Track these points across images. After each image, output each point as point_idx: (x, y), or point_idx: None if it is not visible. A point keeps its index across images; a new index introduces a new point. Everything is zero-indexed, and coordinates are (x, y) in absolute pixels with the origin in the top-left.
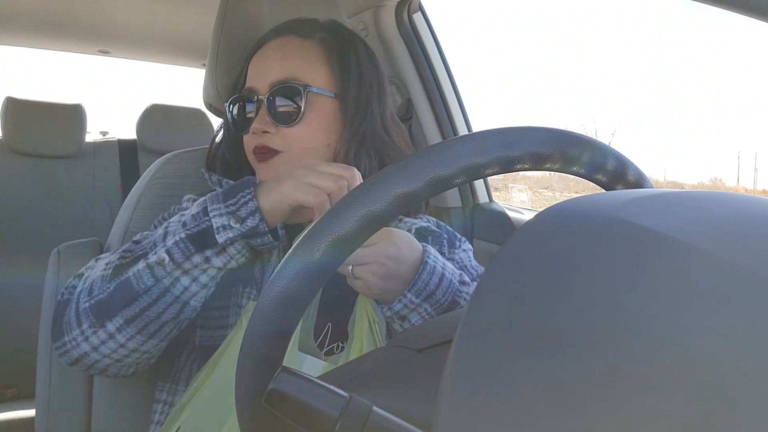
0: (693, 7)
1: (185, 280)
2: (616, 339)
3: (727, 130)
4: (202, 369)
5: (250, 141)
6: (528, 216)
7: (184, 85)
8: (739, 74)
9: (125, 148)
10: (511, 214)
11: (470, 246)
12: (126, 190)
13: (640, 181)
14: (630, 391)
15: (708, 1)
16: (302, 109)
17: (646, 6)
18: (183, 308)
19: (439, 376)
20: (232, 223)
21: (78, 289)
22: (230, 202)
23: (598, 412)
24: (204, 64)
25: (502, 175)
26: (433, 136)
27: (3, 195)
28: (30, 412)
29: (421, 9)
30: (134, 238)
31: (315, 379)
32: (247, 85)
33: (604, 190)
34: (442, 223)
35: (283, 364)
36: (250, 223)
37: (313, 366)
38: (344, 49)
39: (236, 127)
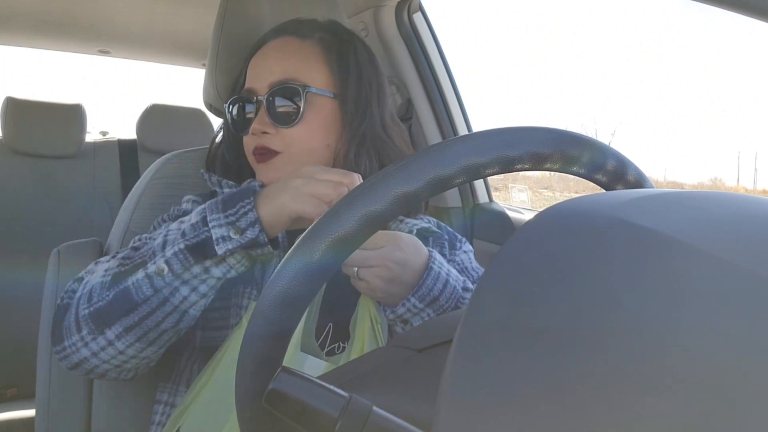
0: (693, 7)
1: (184, 290)
2: (616, 339)
3: (727, 130)
4: (204, 370)
5: (249, 142)
6: (528, 216)
7: (184, 85)
8: (739, 74)
9: (125, 148)
10: (511, 214)
11: (471, 247)
12: (126, 190)
13: (640, 181)
14: (630, 391)
15: (708, 1)
16: (301, 109)
17: (646, 6)
18: (182, 317)
19: (439, 376)
20: (231, 234)
21: (78, 295)
22: (230, 212)
23: (598, 412)
24: (204, 64)
25: (502, 175)
26: (433, 136)
27: (3, 195)
28: (30, 412)
29: (421, 9)
30: (133, 244)
31: (315, 379)
32: (247, 85)
33: (604, 190)
34: (442, 223)
35: (285, 364)
36: (250, 234)
37: (314, 366)
38: (343, 49)
39: (236, 128)
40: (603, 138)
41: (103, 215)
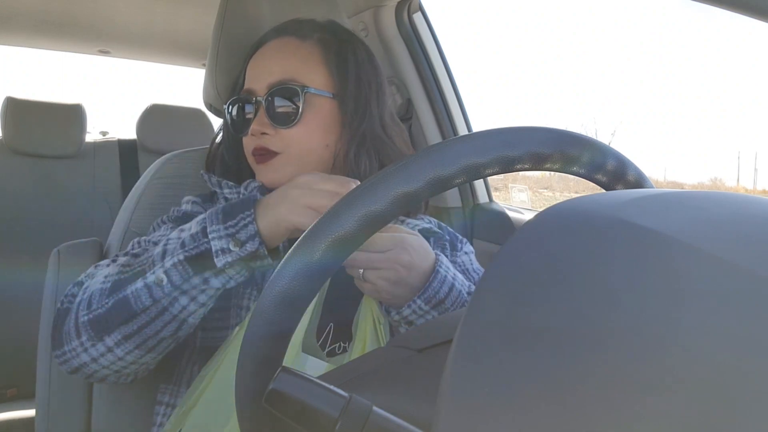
0: (693, 7)
1: (183, 300)
2: (616, 339)
3: (727, 130)
4: (205, 371)
5: (249, 143)
6: (528, 216)
7: (184, 85)
8: (739, 74)
9: (125, 148)
10: (511, 214)
11: (472, 248)
12: (126, 190)
13: (640, 181)
14: (630, 391)
15: (708, 1)
16: (300, 110)
17: (646, 6)
18: (181, 325)
19: (439, 376)
20: (231, 247)
21: (77, 300)
22: (230, 223)
23: (598, 412)
24: (204, 64)
25: (502, 175)
26: (433, 136)
27: (3, 195)
28: (30, 412)
29: (421, 9)
30: (133, 250)
31: (315, 379)
32: (246, 86)
33: (604, 190)
34: (443, 224)
35: (286, 365)
36: (250, 247)
37: (315, 367)
38: (342, 49)
39: (235, 129)
40: (603, 138)
41: (103, 215)
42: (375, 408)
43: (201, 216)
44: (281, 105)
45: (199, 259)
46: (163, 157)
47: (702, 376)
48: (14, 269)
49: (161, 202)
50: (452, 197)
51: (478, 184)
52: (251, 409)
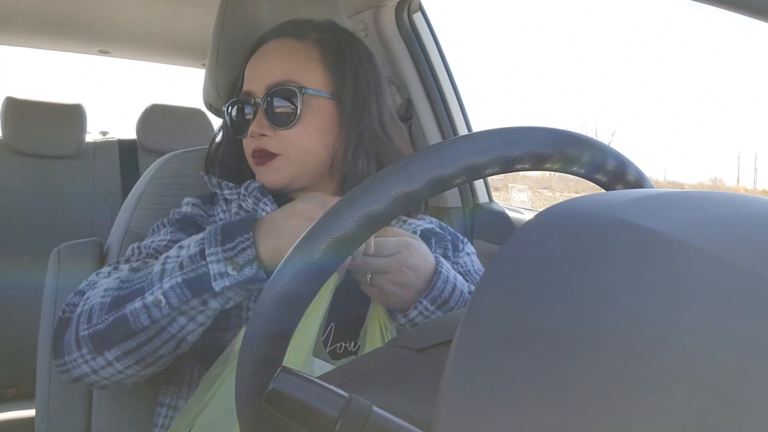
0: (693, 7)
1: (182, 320)
2: (616, 339)
3: (727, 130)
4: (216, 372)
5: (248, 144)
6: (528, 216)
7: (184, 85)
8: (739, 74)
9: (125, 148)
10: (511, 214)
11: (473, 249)
12: (126, 190)
13: (640, 181)
14: (630, 391)
15: (708, 1)
16: (298, 110)
17: (646, 6)
18: (180, 343)
19: (439, 376)
20: (229, 270)
21: (78, 311)
22: (228, 246)
23: (598, 412)
24: (204, 64)
25: (502, 175)
26: (433, 136)
27: (3, 195)
28: (30, 412)
29: (421, 9)
30: (133, 261)
31: (315, 379)
32: (244, 88)
33: (604, 190)
34: (444, 224)
35: (298, 369)
36: (248, 272)
37: (321, 369)
38: (340, 49)
39: (235, 131)
40: (603, 138)
41: (103, 215)
42: (375, 408)
43: (200, 235)
44: (280, 106)
45: (197, 282)
46: (163, 157)
47: (702, 376)
48: (14, 269)
49: (161, 202)
50: (452, 197)
51: (478, 184)
52: (251, 410)
